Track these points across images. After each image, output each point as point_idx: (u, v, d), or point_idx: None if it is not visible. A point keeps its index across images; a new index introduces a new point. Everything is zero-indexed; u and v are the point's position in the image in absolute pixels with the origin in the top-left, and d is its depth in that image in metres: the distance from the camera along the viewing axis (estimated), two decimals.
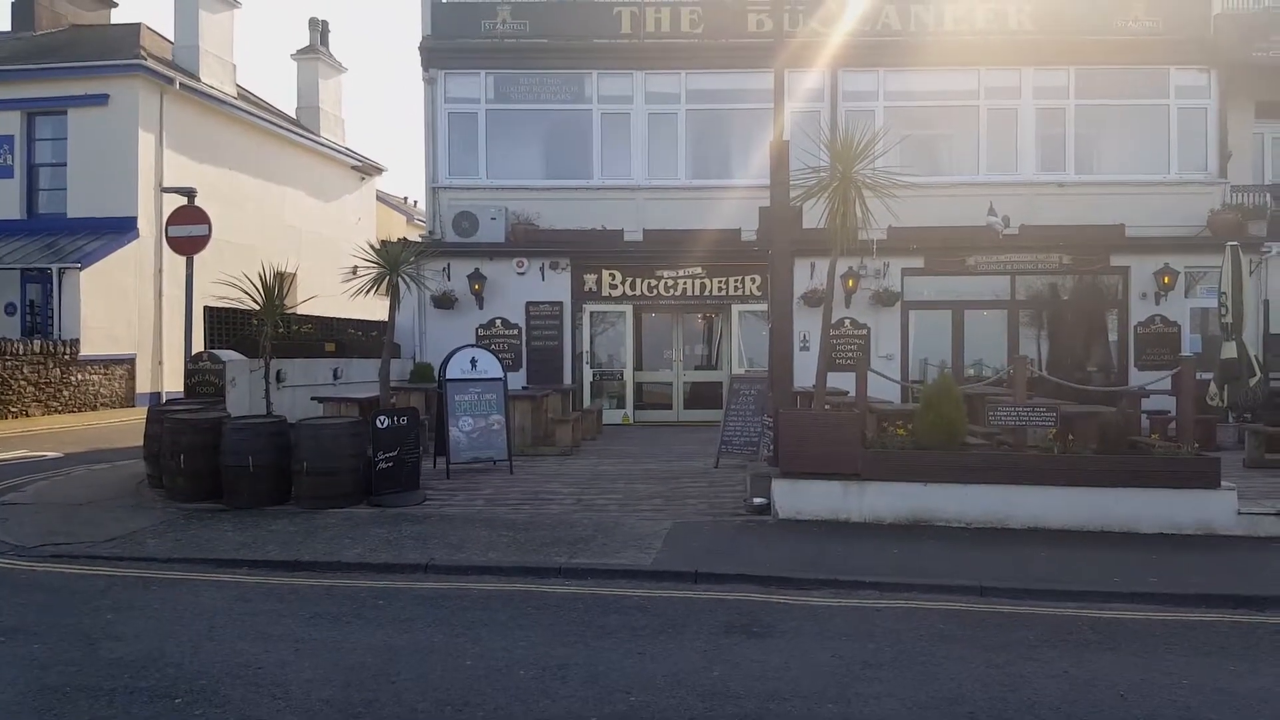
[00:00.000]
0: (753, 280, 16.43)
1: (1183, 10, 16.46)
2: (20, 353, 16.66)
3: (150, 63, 19.73)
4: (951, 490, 7.96)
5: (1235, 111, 16.60)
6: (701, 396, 16.94)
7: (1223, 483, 7.83)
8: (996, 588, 6.14)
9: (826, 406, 9.26)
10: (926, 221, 15.37)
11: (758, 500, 8.38)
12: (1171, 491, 7.77)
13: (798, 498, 8.15)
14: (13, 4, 23.16)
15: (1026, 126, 16.62)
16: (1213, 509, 7.73)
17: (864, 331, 16.15)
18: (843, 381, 13.35)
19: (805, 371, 13.68)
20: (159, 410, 9.92)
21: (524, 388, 14.63)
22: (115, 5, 25.38)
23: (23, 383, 16.66)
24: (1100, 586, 6.20)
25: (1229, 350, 12.52)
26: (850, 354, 15.73)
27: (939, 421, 8.14)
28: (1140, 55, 16.38)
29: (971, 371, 16.10)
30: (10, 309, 19.06)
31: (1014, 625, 5.51)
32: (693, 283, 16.57)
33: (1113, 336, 16.49)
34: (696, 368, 17.38)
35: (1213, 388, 12.70)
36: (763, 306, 15.94)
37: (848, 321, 16.06)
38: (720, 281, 16.55)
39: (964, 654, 5.00)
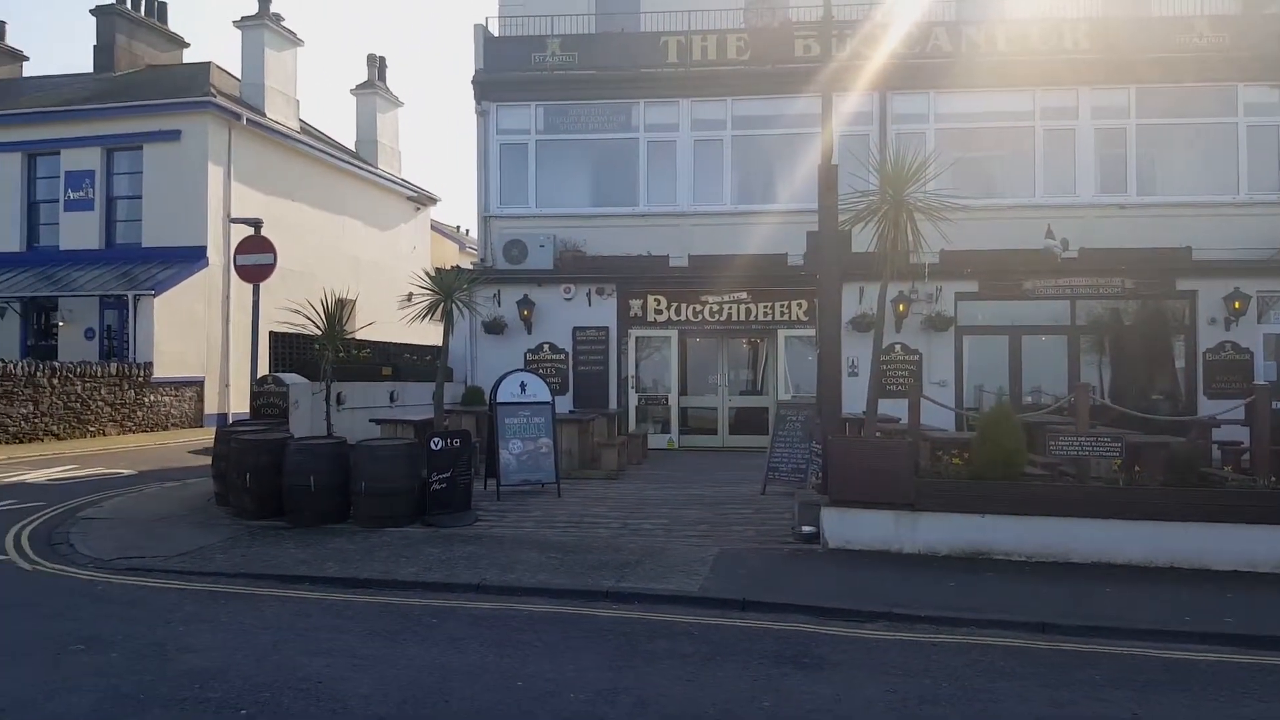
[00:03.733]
0: (799, 305, 16.36)
1: (1251, 26, 16.05)
2: (98, 375, 17.44)
3: (219, 100, 20.60)
4: (1010, 522, 7.77)
5: None
6: (747, 422, 16.85)
7: None
8: (1059, 624, 5.98)
9: (877, 434, 9.15)
10: (981, 245, 15.15)
11: (806, 529, 8.31)
12: (1247, 526, 7.44)
13: (847, 527, 8.06)
14: (94, 47, 24.41)
15: (1085, 147, 16.31)
16: None
17: (916, 357, 15.93)
18: (893, 409, 13.18)
19: (853, 398, 13.51)
20: (226, 431, 10.28)
21: (570, 411, 14.75)
22: (188, 46, 26.56)
23: (100, 403, 17.41)
24: (1170, 625, 5.97)
25: None
26: (901, 380, 15.51)
27: (996, 451, 7.96)
28: (1206, 72, 15.96)
29: (1030, 399, 15.71)
30: (89, 334, 19.97)
31: (1079, 663, 5.36)
32: (738, 308, 16.56)
33: (1180, 363, 15.93)
34: (742, 393, 17.31)
35: None
36: (809, 331, 15.86)
37: (898, 347, 15.87)
38: (766, 306, 16.51)
39: (1026, 692, 4.88)
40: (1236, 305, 15.24)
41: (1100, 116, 16.31)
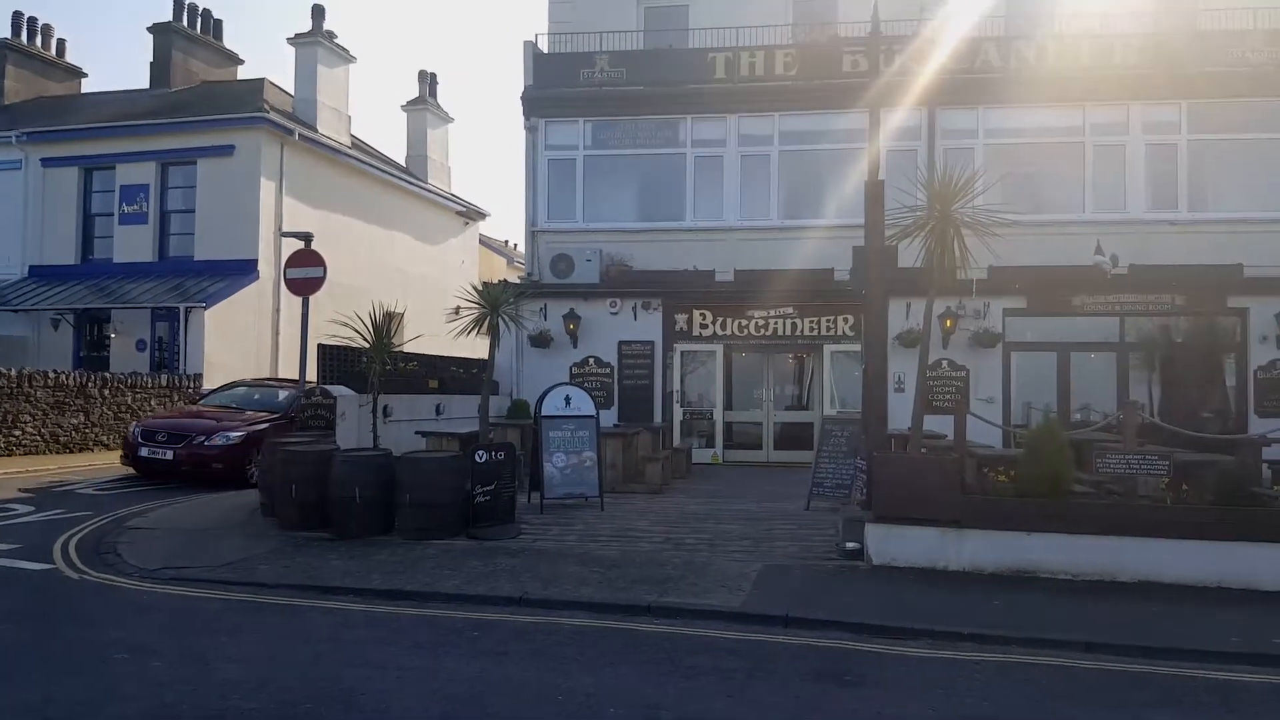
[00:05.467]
0: (845, 320, 16.25)
1: None
2: (149, 386, 17.90)
3: (272, 115, 21.09)
4: (1057, 541, 7.65)
5: None
6: (792, 437, 16.76)
7: None
8: (1105, 644, 5.86)
9: (923, 450, 9.04)
10: (1029, 260, 14.94)
11: (850, 545, 8.23)
12: None
13: (892, 544, 7.97)
14: (151, 64, 25.17)
15: (1135, 163, 16.02)
16: None
17: (963, 373, 15.72)
18: (940, 425, 12.98)
19: (899, 414, 13.34)
20: (273, 442, 10.45)
21: (615, 425, 14.78)
22: (242, 63, 27.32)
23: (150, 414, 17.83)
24: (1218, 646, 5.85)
25: None
26: (948, 396, 15.33)
27: (1043, 468, 7.85)
28: (1259, 87, 15.61)
29: (1078, 416, 15.41)
30: (141, 345, 20.48)
31: (1124, 684, 5.25)
32: (783, 323, 16.51)
33: (1230, 381, 15.58)
34: (787, 408, 17.23)
35: None
36: (855, 347, 15.75)
37: (945, 363, 15.67)
38: (811, 321, 16.43)
39: (1070, 713, 4.79)
40: None
41: (1151, 132, 16.03)
